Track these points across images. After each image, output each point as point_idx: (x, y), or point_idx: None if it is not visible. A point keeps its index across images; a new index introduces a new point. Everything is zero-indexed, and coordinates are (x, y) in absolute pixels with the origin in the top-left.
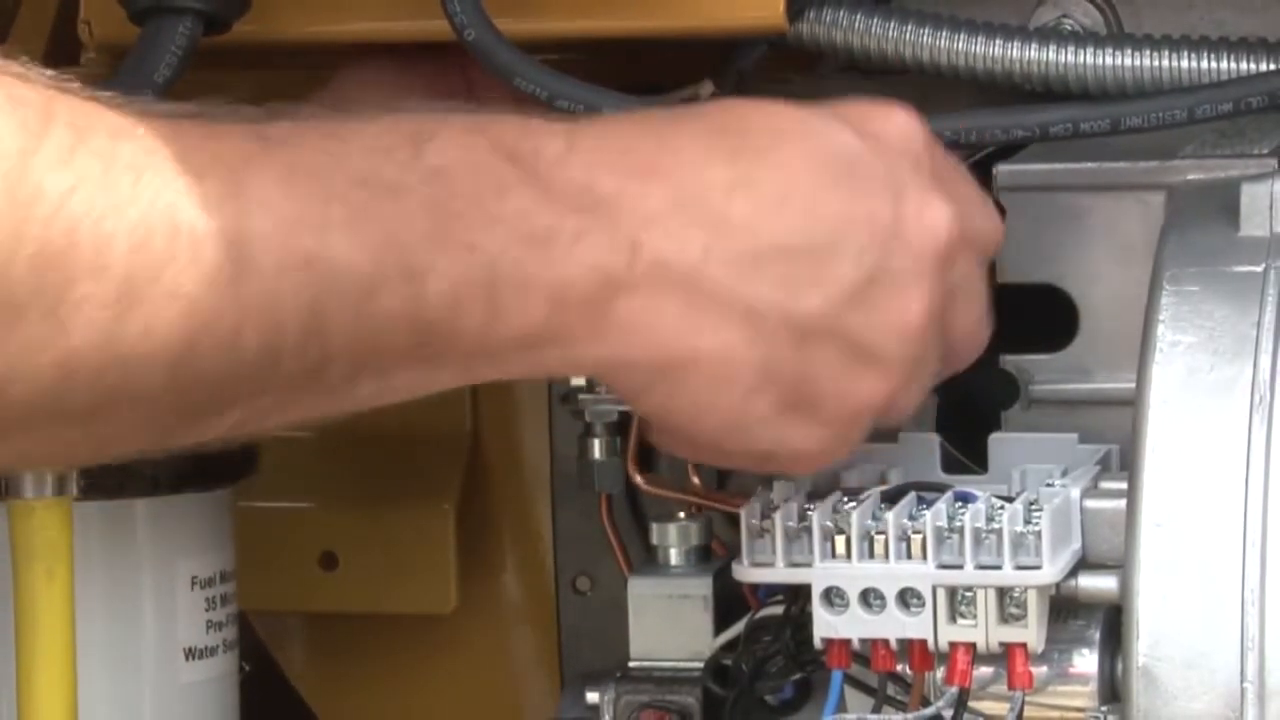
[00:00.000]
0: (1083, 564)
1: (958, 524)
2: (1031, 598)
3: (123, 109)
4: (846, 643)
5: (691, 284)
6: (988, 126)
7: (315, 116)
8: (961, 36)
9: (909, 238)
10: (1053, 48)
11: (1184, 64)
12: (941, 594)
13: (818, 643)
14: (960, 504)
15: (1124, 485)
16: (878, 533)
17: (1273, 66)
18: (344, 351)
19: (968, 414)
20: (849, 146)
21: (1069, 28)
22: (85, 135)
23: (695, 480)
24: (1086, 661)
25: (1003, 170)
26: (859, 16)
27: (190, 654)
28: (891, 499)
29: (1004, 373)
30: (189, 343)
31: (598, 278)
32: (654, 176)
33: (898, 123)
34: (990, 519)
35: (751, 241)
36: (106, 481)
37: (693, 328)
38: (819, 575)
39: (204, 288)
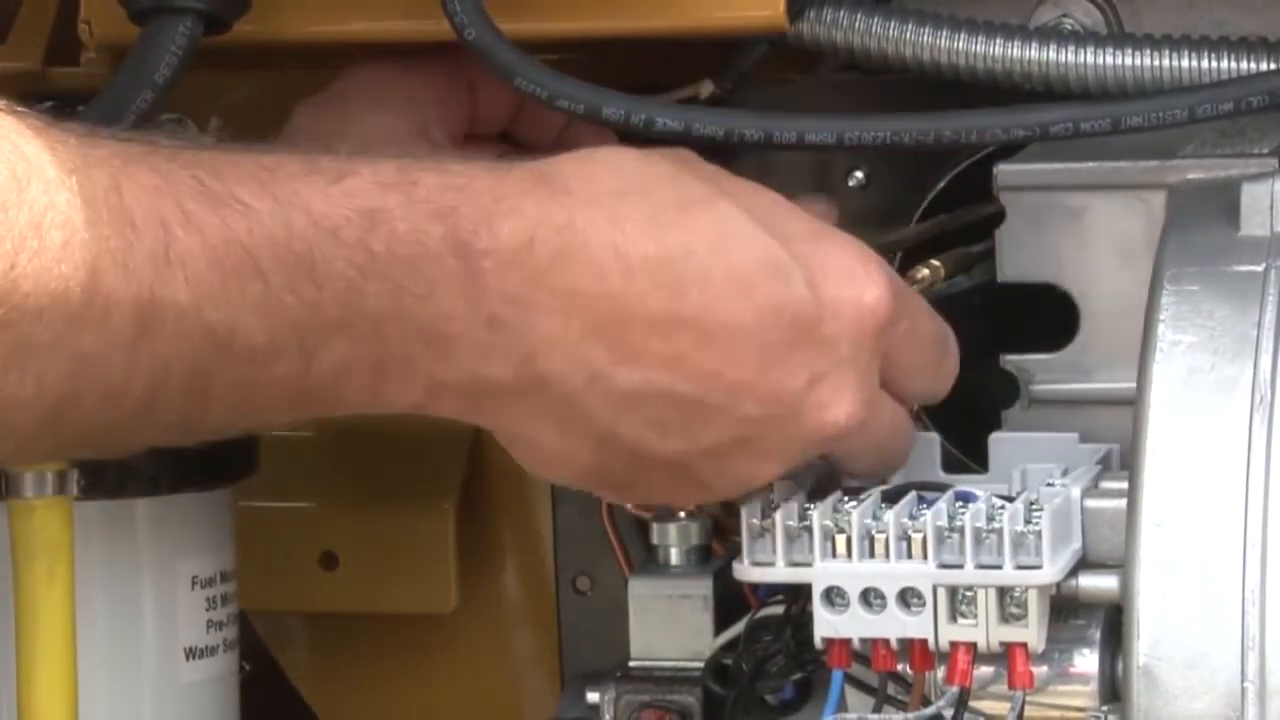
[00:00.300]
0: (1083, 564)
1: (958, 524)
2: (1032, 597)
3: (70, 149)
4: (847, 642)
5: (566, 406)
6: (988, 126)
7: (281, 164)
8: (961, 36)
9: (799, 423)
10: (1053, 47)
11: (1184, 64)
12: (942, 593)
13: (818, 642)
14: (961, 504)
15: (1124, 485)
16: (878, 532)
17: (1273, 66)
18: (223, 408)
19: (968, 414)
20: (799, 308)
21: (1069, 27)
22: (23, 188)
23: None
24: (1087, 661)
25: (1003, 170)
26: (859, 16)
27: (190, 654)
28: (892, 498)
29: (1004, 373)
30: (75, 394)
31: (480, 385)
32: (584, 304)
33: (866, 298)
34: (991, 519)
35: (642, 383)
36: (107, 481)
37: (549, 434)
38: (819, 575)
39: (104, 350)
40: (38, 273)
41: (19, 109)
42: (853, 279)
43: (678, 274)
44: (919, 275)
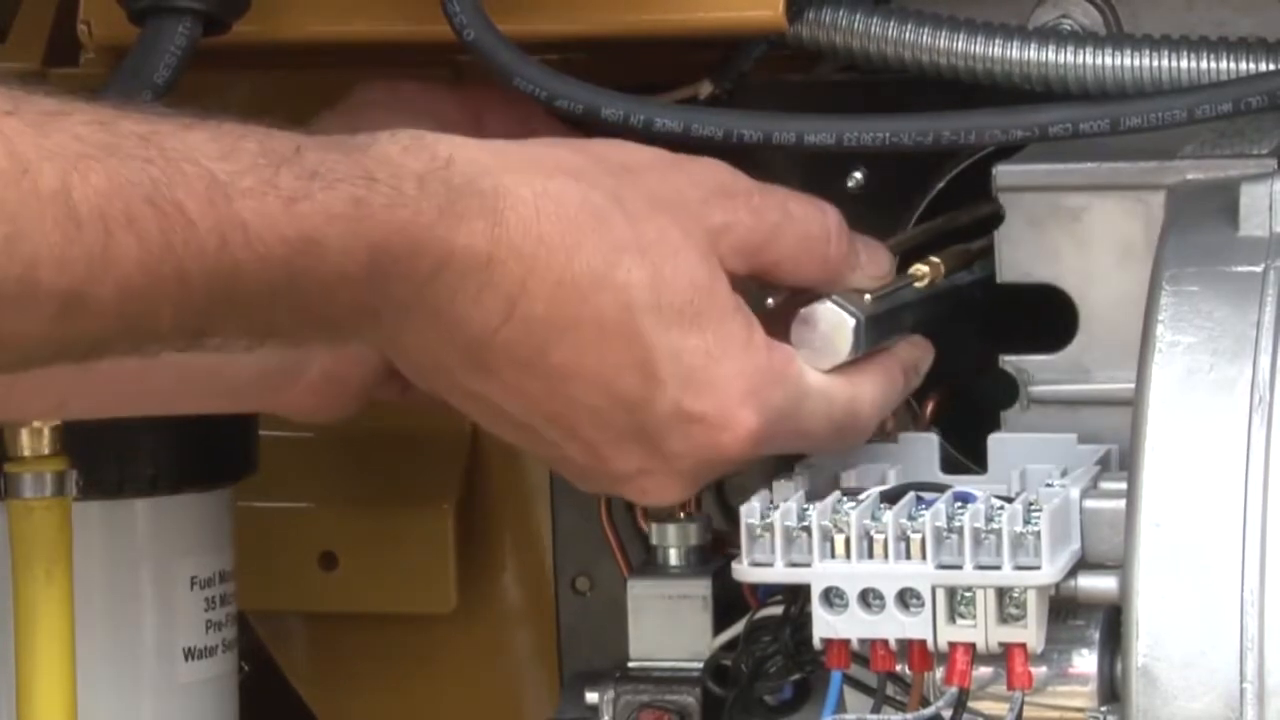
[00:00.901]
0: (1082, 564)
1: (957, 524)
2: (1031, 598)
3: (25, 140)
4: (846, 643)
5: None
6: (987, 127)
7: (237, 179)
8: (961, 36)
9: (619, 489)
10: (1052, 48)
11: (1184, 64)
12: (941, 594)
13: (817, 643)
14: (960, 504)
15: (1123, 485)
16: (877, 533)
17: (1272, 66)
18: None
19: (967, 414)
20: (653, 417)
21: (1068, 28)
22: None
23: None
24: (1086, 661)
25: (1003, 170)
26: (858, 16)
27: (190, 654)
28: (891, 499)
29: (1004, 373)
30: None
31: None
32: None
33: (724, 438)
34: (990, 519)
35: (486, 392)
36: (106, 482)
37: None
38: (818, 575)
39: (24, 331)
40: None
41: None
42: (723, 412)
43: (553, 339)
44: (920, 273)
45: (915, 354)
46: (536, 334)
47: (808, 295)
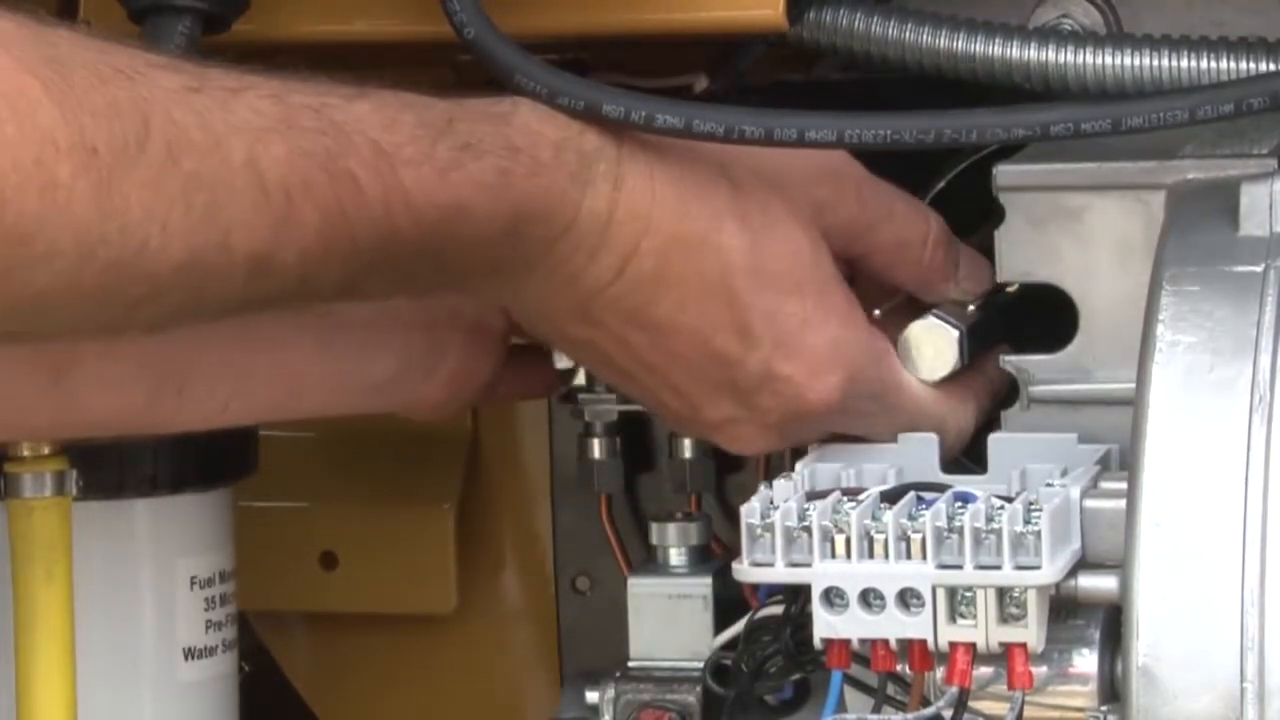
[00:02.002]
0: (1082, 564)
1: (957, 524)
2: (1031, 598)
3: (212, 116)
4: (846, 643)
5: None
6: (988, 126)
7: (400, 149)
8: (961, 36)
9: (711, 435)
10: (1053, 48)
11: (1184, 64)
12: (941, 594)
13: (817, 643)
14: (960, 504)
15: (1124, 485)
16: (877, 533)
17: (1273, 67)
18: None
19: None
20: (744, 373)
21: (1069, 28)
22: (177, 160)
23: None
24: (1086, 661)
25: (1003, 170)
26: (859, 16)
27: (190, 654)
28: (891, 499)
29: (1004, 373)
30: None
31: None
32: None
33: (810, 395)
34: (990, 519)
35: (590, 340)
36: (106, 481)
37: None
38: (819, 575)
39: (220, 294)
40: (186, 231)
41: (163, 61)
42: (810, 374)
43: (658, 295)
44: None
45: (1003, 377)
46: (643, 290)
47: (908, 308)
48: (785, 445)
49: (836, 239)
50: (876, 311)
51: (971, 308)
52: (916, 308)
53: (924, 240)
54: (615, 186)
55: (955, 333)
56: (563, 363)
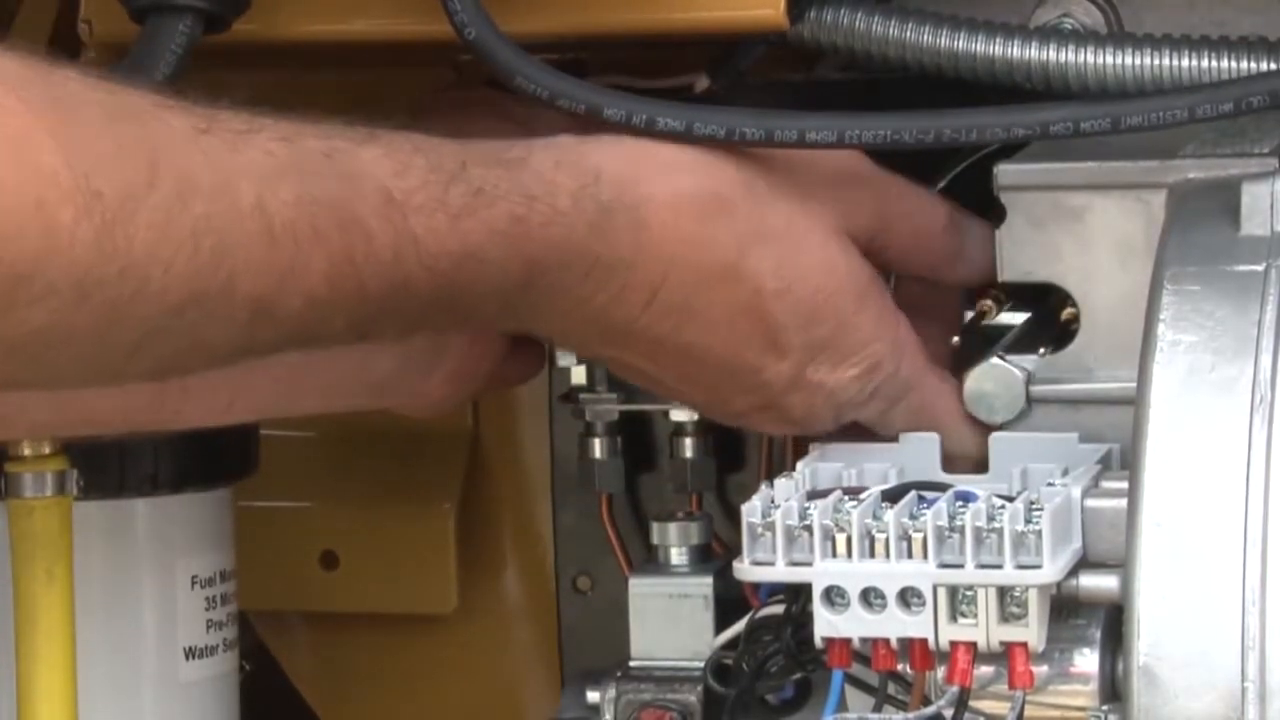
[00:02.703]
0: (1083, 563)
1: (958, 523)
2: (1032, 597)
3: (219, 158)
4: (847, 642)
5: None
6: (988, 125)
7: (411, 195)
8: (961, 36)
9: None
10: (1053, 47)
11: (1185, 63)
12: (942, 593)
13: (818, 642)
14: (961, 503)
15: (1124, 484)
16: (878, 532)
17: (1273, 66)
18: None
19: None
20: (773, 378)
21: (1069, 27)
22: (187, 203)
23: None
24: (1087, 661)
25: (1003, 170)
26: (859, 16)
27: (190, 653)
28: (892, 498)
29: None
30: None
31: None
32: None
33: (842, 397)
34: (991, 518)
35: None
36: (106, 481)
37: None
38: (819, 574)
39: (222, 334)
40: (189, 275)
41: (171, 103)
42: (842, 375)
43: (686, 321)
44: (985, 306)
45: None
46: (671, 318)
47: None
48: (807, 432)
49: (859, 238)
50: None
51: (1002, 316)
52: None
53: (938, 230)
54: (637, 231)
55: (1022, 375)
56: (564, 361)
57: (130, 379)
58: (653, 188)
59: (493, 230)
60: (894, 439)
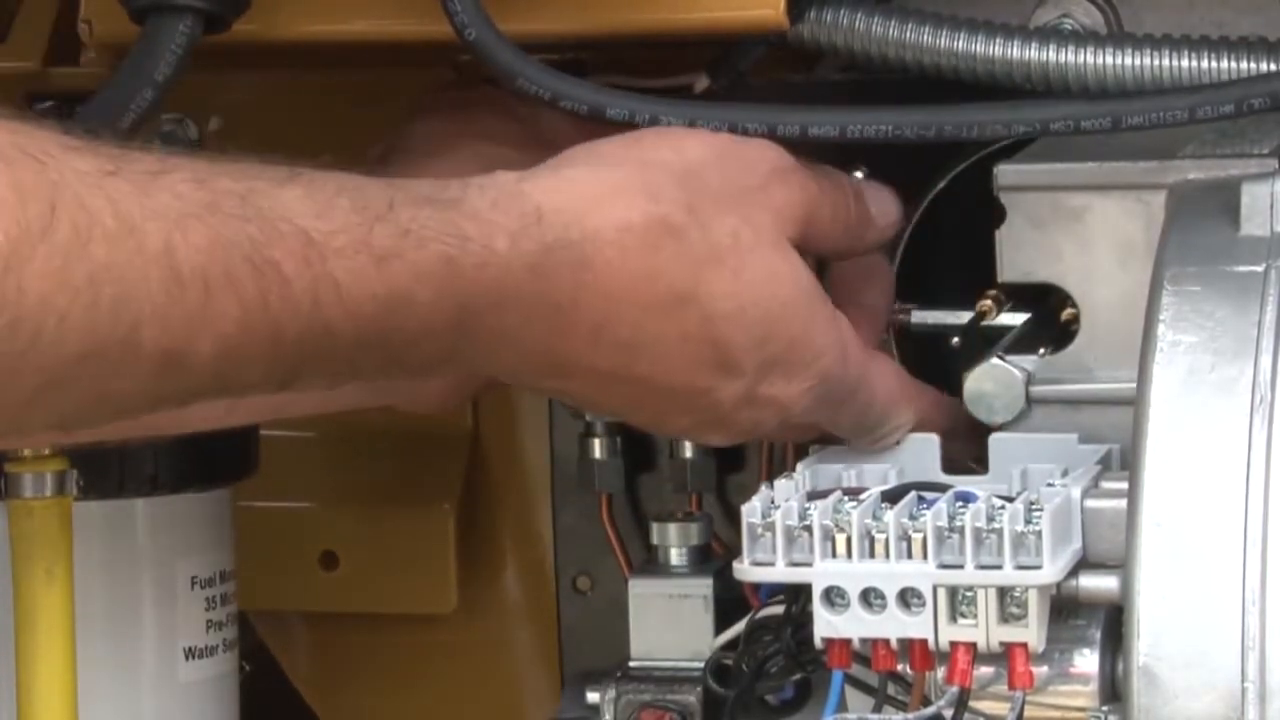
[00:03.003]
0: (1083, 564)
1: (958, 524)
2: (1032, 597)
3: (128, 201)
4: (847, 642)
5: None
6: (989, 121)
7: (332, 238)
8: (961, 36)
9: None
10: (1053, 47)
11: (1185, 64)
12: (942, 594)
13: (818, 642)
14: (961, 504)
15: (1124, 485)
16: (878, 532)
17: (1274, 67)
18: None
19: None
20: (728, 398)
21: (1069, 27)
22: (85, 243)
23: None
24: (1087, 661)
25: (1003, 170)
26: (859, 16)
27: (190, 654)
28: (892, 499)
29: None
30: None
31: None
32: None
33: (795, 410)
34: (991, 519)
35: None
36: (107, 481)
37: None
38: (819, 575)
39: (130, 390)
40: (87, 326)
41: (78, 144)
42: (791, 397)
43: (637, 354)
44: (985, 306)
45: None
46: (620, 354)
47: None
48: (748, 440)
49: (795, 238)
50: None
51: (1002, 316)
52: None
53: (849, 203)
54: (580, 270)
55: (1022, 375)
56: None
57: (33, 430)
58: (598, 221)
59: (421, 272)
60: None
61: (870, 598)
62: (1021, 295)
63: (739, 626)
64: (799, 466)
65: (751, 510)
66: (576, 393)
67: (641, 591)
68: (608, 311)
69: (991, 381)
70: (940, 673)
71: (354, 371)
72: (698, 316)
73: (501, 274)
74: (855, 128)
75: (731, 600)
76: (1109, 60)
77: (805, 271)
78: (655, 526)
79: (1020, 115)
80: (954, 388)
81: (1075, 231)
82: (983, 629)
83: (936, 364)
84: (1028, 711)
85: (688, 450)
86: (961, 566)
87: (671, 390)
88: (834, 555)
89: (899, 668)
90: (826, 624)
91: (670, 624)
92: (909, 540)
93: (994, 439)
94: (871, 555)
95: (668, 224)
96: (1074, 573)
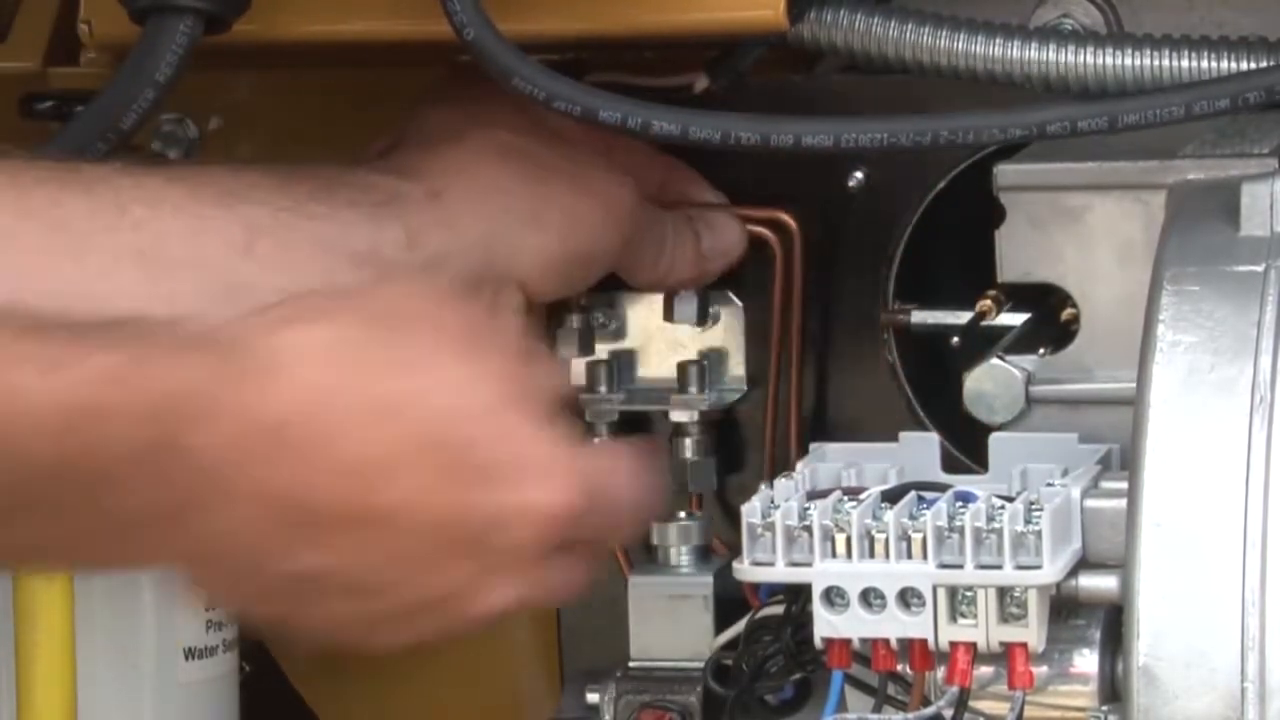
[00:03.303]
0: (1083, 564)
1: (958, 524)
2: (1032, 597)
3: None
4: (847, 642)
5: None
6: (984, 127)
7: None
8: (961, 36)
9: (455, 610)
10: (1053, 47)
11: (1184, 64)
12: (942, 593)
13: (818, 642)
14: (960, 504)
15: (1124, 485)
16: (878, 532)
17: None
18: None
19: (968, 414)
20: (476, 518)
21: (1069, 27)
22: None
23: None
24: (1087, 661)
25: (1003, 170)
26: (859, 16)
27: (190, 654)
28: (892, 499)
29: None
30: None
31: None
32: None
33: (546, 508)
34: (990, 519)
35: (314, 567)
36: None
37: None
38: (819, 575)
39: None
40: None
41: None
42: (540, 481)
43: (370, 480)
44: (985, 306)
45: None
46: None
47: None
48: (534, 588)
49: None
50: None
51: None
52: None
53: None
54: (270, 375)
55: (1021, 375)
56: (564, 352)
57: None
58: (308, 307)
59: (103, 380)
60: None
61: (870, 598)
62: (1021, 295)
63: (739, 626)
64: (799, 466)
65: (751, 510)
66: (319, 562)
67: (641, 591)
68: (320, 436)
69: (991, 381)
70: (940, 673)
71: (54, 506)
72: (438, 411)
73: (184, 375)
74: (849, 136)
75: (731, 600)
76: (1108, 60)
77: (502, 369)
78: (655, 526)
79: (1016, 119)
80: (954, 388)
81: (1075, 231)
82: (982, 629)
83: (937, 364)
84: (1028, 711)
85: (688, 450)
86: (961, 566)
87: (428, 525)
88: (834, 555)
89: (899, 668)
90: (826, 624)
91: (670, 624)
92: (909, 540)
93: (994, 439)
94: (871, 555)
95: (402, 313)
96: (1074, 573)
